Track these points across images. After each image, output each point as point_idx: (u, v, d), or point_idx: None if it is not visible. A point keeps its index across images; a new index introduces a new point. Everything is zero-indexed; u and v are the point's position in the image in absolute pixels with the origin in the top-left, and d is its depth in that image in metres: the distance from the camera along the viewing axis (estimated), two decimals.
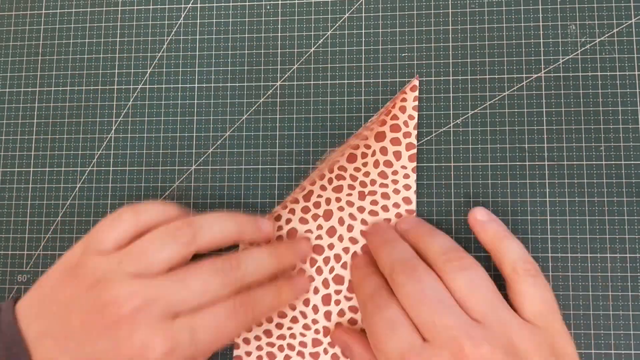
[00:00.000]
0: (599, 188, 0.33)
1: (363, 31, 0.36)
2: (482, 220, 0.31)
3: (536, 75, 0.35)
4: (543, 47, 0.35)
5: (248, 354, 0.34)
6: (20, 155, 0.37)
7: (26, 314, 0.29)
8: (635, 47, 0.34)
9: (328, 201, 0.34)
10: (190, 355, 0.28)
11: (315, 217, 0.34)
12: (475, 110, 0.35)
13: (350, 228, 0.34)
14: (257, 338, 0.34)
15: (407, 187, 0.34)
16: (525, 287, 0.29)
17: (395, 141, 0.34)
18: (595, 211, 0.33)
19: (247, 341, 0.34)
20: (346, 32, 0.36)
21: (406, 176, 0.34)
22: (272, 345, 0.33)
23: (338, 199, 0.34)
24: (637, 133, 0.34)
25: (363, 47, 0.36)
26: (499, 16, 0.35)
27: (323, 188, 0.34)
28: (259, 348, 0.33)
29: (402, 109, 0.34)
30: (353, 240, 0.34)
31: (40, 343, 0.28)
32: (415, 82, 0.35)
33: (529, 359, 0.26)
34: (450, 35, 0.35)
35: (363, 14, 0.36)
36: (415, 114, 0.34)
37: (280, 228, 0.34)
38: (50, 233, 0.36)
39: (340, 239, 0.34)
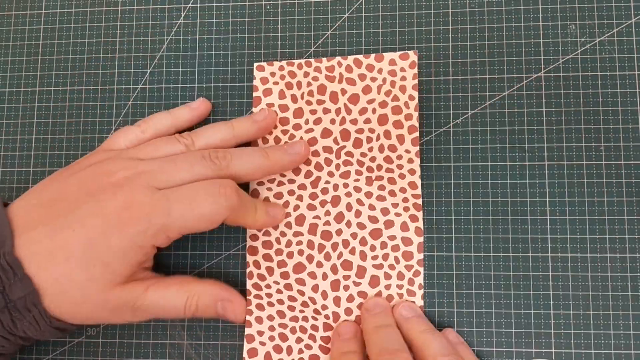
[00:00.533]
0: (599, 188, 0.33)
1: (363, 31, 0.36)
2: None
3: (536, 75, 0.35)
4: (543, 47, 0.35)
5: (260, 333, 0.34)
6: (20, 155, 0.37)
7: (21, 197, 0.32)
8: (635, 47, 0.34)
9: (335, 187, 0.34)
10: (163, 223, 0.29)
11: (323, 203, 0.34)
12: (475, 110, 0.35)
13: (358, 214, 0.34)
14: (270, 317, 0.34)
15: (412, 171, 0.34)
16: None
17: (398, 124, 0.34)
18: (595, 211, 0.33)
19: (259, 320, 0.34)
20: (346, 31, 0.36)
21: (410, 160, 0.34)
22: (284, 326, 0.34)
23: (346, 185, 0.34)
24: (637, 133, 0.34)
25: (363, 47, 0.36)
26: (499, 16, 0.35)
27: (330, 174, 0.34)
28: (271, 328, 0.34)
29: (402, 89, 0.34)
30: (361, 226, 0.34)
31: (26, 211, 0.30)
32: (414, 57, 0.35)
33: None
34: (450, 35, 0.35)
35: (363, 14, 0.36)
36: (415, 94, 0.34)
37: (288, 215, 0.34)
38: None
39: (349, 224, 0.34)
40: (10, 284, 0.28)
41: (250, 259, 0.34)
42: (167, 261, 0.35)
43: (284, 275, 0.34)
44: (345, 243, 0.34)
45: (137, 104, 0.37)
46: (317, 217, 0.34)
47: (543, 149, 0.34)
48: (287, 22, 0.37)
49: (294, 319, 0.34)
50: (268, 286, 0.34)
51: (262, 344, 0.34)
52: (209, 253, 0.35)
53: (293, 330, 0.34)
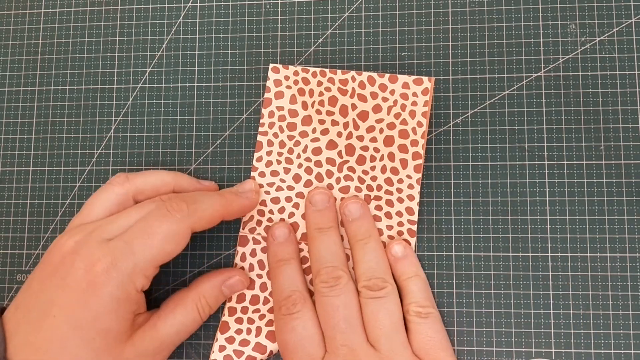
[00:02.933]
0: (599, 188, 0.33)
1: (363, 30, 0.36)
2: (396, 257, 0.33)
3: (536, 75, 0.35)
4: (543, 47, 0.35)
5: (239, 320, 0.34)
6: (20, 155, 0.37)
7: (8, 309, 0.30)
8: (635, 46, 0.34)
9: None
10: (132, 264, 0.29)
11: None
12: (475, 110, 0.35)
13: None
14: (244, 310, 0.34)
15: (411, 197, 0.34)
16: (414, 326, 0.31)
17: (403, 148, 0.34)
18: (595, 211, 0.33)
19: (242, 297, 0.34)
20: (346, 31, 0.36)
21: (410, 186, 0.34)
22: (257, 311, 0.34)
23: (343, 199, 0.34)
24: (637, 133, 0.34)
25: (363, 47, 0.36)
26: (499, 15, 0.35)
27: (330, 186, 0.34)
28: (244, 310, 0.34)
29: (412, 114, 0.34)
30: None
31: (13, 315, 0.29)
32: (428, 84, 0.34)
33: None
34: (450, 35, 0.35)
35: (363, 13, 0.36)
36: (425, 121, 0.34)
37: (282, 220, 0.34)
38: (50, 232, 0.36)
39: (342, 238, 0.34)
40: None
41: (240, 264, 0.35)
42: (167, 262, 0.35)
43: (262, 287, 0.34)
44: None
45: (137, 103, 0.37)
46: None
47: (543, 148, 0.34)
48: (287, 22, 0.37)
49: (270, 310, 0.34)
50: (253, 279, 0.34)
51: (239, 321, 0.34)
52: (208, 253, 0.35)
53: (262, 317, 0.34)
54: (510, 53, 0.35)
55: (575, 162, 0.34)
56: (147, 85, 0.37)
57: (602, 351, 0.32)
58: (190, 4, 0.38)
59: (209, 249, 0.35)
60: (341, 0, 0.37)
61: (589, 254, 0.33)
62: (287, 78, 0.35)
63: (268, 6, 0.37)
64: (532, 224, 0.33)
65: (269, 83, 0.35)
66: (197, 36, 0.37)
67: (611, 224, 0.33)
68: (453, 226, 0.34)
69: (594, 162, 0.34)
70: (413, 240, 0.34)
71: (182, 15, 0.38)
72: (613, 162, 0.33)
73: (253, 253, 0.34)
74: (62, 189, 0.37)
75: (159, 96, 0.37)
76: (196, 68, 0.37)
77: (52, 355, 0.28)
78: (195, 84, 0.37)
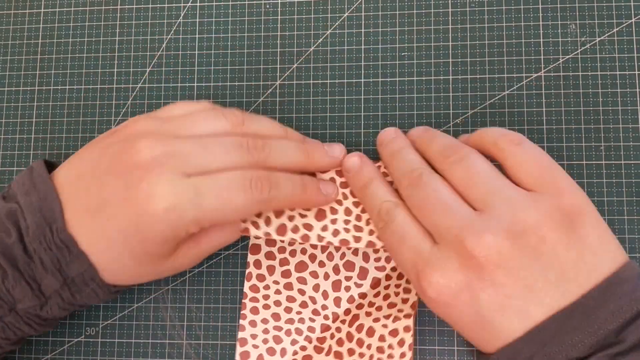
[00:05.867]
0: (599, 188, 0.33)
1: (363, 30, 0.36)
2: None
3: (536, 75, 0.35)
4: (543, 47, 0.35)
5: (253, 336, 0.34)
6: (19, 155, 0.37)
7: (63, 164, 0.31)
8: (635, 46, 0.34)
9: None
10: (193, 217, 0.28)
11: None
12: (475, 110, 0.35)
13: (358, 217, 0.33)
14: (264, 321, 0.34)
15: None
16: (515, 158, 0.28)
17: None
18: None
19: (253, 324, 0.34)
20: (346, 31, 0.36)
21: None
22: (279, 329, 0.33)
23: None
24: (637, 133, 0.34)
25: (363, 47, 0.36)
26: (499, 15, 0.35)
27: (334, 181, 0.34)
28: (266, 331, 0.34)
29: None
30: (358, 229, 0.33)
31: (69, 185, 0.29)
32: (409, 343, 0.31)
33: (539, 231, 0.26)
34: (450, 35, 0.35)
35: (363, 13, 0.36)
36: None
37: (292, 218, 0.33)
38: None
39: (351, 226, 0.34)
40: (66, 261, 0.28)
41: (251, 258, 0.34)
42: None
43: (285, 274, 0.34)
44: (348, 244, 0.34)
45: (137, 103, 0.37)
46: (320, 237, 0.34)
47: (543, 148, 0.34)
48: (287, 22, 0.37)
49: (290, 321, 0.34)
50: (266, 287, 0.34)
51: (255, 347, 0.33)
52: None
53: (288, 333, 0.33)
54: (510, 53, 0.35)
55: (575, 162, 0.34)
56: (146, 85, 0.37)
57: None
58: (190, 4, 0.38)
59: None
60: (341, 0, 0.37)
61: None
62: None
63: (268, 6, 0.37)
64: None
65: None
66: (197, 36, 0.37)
67: (611, 224, 0.33)
68: None
69: (594, 162, 0.34)
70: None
71: (182, 15, 0.37)
72: (613, 162, 0.33)
73: (269, 255, 0.34)
74: None
75: (159, 96, 0.37)
76: (196, 68, 0.37)
77: (104, 241, 0.28)
78: (195, 84, 0.37)
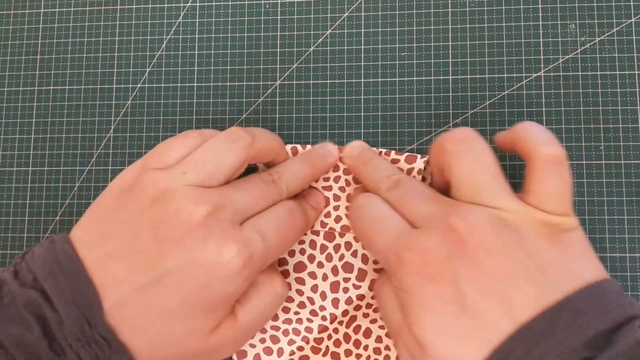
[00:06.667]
0: (599, 188, 0.33)
1: (363, 30, 0.36)
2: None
3: (536, 75, 0.35)
4: (543, 47, 0.35)
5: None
6: (19, 155, 0.37)
7: (83, 240, 0.28)
8: (635, 46, 0.34)
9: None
10: (262, 259, 0.28)
11: (328, 214, 0.34)
12: (475, 110, 0.35)
13: None
14: None
15: None
16: (542, 175, 0.27)
17: None
18: (595, 211, 0.33)
19: None
20: (345, 31, 0.36)
21: None
22: (276, 328, 0.33)
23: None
24: (637, 133, 0.34)
25: (363, 47, 0.36)
26: (499, 15, 0.35)
27: (339, 180, 0.34)
28: (263, 331, 0.33)
29: None
30: None
31: (105, 266, 0.27)
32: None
33: (521, 229, 0.25)
34: (450, 35, 0.35)
35: (363, 13, 0.36)
36: None
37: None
38: (49, 232, 0.36)
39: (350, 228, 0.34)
40: (105, 356, 0.26)
41: None
42: None
43: (284, 274, 0.34)
44: (348, 245, 0.34)
45: (137, 103, 0.37)
46: (323, 223, 0.34)
47: None
48: (287, 22, 0.37)
49: (288, 321, 0.34)
50: None
51: (252, 346, 0.33)
52: None
53: (285, 333, 0.33)
54: (510, 53, 0.35)
55: (575, 162, 0.34)
56: (146, 85, 0.37)
57: None
58: (189, 4, 0.38)
59: None
60: (341, 0, 0.37)
61: None
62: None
63: (268, 6, 0.37)
64: None
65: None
66: (197, 36, 0.37)
67: (611, 224, 0.33)
68: None
69: (594, 162, 0.34)
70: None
71: (182, 15, 0.37)
72: (613, 162, 0.33)
73: None
74: (62, 189, 0.37)
75: (159, 96, 0.37)
76: (196, 68, 0.37)
77: (150, 321, 0.26)
78: (195, 84, 0.37)
